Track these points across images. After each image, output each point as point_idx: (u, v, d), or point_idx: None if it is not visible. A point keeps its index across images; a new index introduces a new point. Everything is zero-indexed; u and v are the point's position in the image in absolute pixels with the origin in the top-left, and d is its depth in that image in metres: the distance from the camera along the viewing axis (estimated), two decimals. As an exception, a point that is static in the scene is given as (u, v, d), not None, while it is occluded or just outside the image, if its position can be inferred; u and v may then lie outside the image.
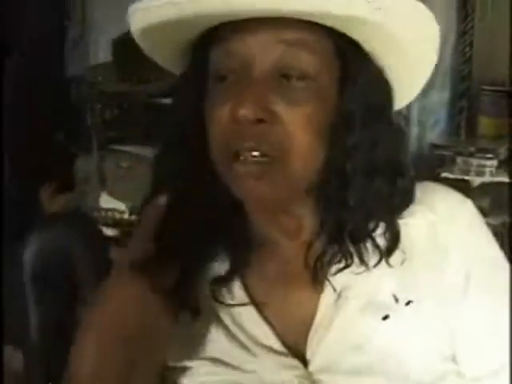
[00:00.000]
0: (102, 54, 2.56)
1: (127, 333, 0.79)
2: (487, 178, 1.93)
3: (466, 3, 2.26)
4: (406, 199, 0.87)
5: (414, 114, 2.31)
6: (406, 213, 0.87)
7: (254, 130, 0.77)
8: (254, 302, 0.88)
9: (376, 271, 0.86)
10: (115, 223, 2.20)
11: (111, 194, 2.25)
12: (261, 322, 0.87)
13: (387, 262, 0.85)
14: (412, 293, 0.86)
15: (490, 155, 1.96)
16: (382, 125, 0.83)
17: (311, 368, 0.86)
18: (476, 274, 0.88)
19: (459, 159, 1.98)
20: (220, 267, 0.88)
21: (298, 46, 0.78)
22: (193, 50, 0.85)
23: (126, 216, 2.20)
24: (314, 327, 0.86)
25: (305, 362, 0.86)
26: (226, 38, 0.79)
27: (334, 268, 0.86)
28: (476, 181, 1.92)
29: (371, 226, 0.85)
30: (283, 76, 0.78)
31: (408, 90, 0.91)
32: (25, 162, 2.42)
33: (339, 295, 0.86)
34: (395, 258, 0.86)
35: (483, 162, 1.95)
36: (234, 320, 0.88)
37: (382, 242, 0.85)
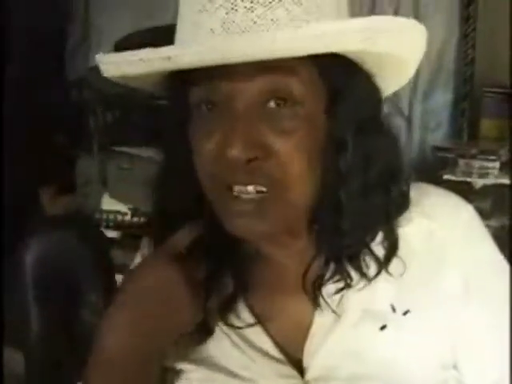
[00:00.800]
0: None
1: (157, 313, 0.81)
2: (490, 180, 1.92)
3: (469, 5, 2.26)
4: (402, 205, 0.85)
5: (417, 116, 2.31)
6: (403, 221, 0.86)
7: (247, 164, 0.75)
8: (254, 313, 0.88)
9: (374, 279, 0.85)
10: (117, 225, 2.20)
11: (113, 195, 2.25)
12: (260, 330, 0.87)
13: (387, 271, 0.84)
14: (410, 302, 0.85)
15: (492, 157, 1.96)
16: (374, 135, 0.81)
17: (308, 377, 0.85)
18: (475, 281, 0.86)
19: (461, 161, 1.97)
20: (225, 289, 0.88)
21: (281, 72, 0.75)
22: (171, 82, 0.83)
23: (127, 218, 2.20)
24: (310, 336, 0.86)
25: (301, 372, 0.86)
26: (205, 71, 0.75)
27: (333, 287, 0.85)
28: (478, 183, 1.92)
29: (369, 238, 0.84)
30: (269, 105, 0.76)
31: (396, 84, 0.88)
32: (25, 164, 2.42)
33: (336, 306, 0.86)
34: (394, 267, 0.85)
35: (485, 164, 1.95)
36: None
37: (380, 251, 0.84)
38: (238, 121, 0.75)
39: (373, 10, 2.37)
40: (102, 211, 2.24)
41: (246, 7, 0.72)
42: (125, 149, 2.23)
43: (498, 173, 1.93)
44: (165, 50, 0.73)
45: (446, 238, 0.86)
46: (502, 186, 1.91)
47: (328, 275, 0.84)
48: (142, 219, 2.10)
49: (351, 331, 0.85)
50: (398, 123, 0.87)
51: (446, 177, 1.95)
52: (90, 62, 2.72)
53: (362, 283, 0.84)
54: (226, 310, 0.88)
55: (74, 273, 1.32)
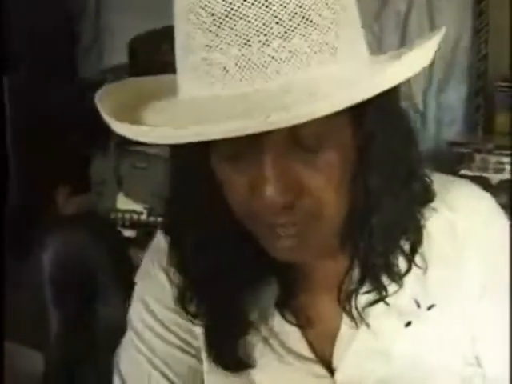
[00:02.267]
0: (116, 56, 2.56)
1: None
2: (506, 175, 1.92)
3: (481, 1, 2.25)
4: (426, 199, 0.84)
5: (431, 112, 2.31)
6: (425, 216, 0.84)
7: (284, 207, 0.72)
8: (298, 324, 0.88)
9: None
10: (132, 224, 2.20)
11: (128, 194, 2.25)
12: (297, 331, 0.87)
13: (415, 265, 0.83)
14: (434, 296, 0.85)
15: (508, 152, 1.95)
16: (400, 140, 0.78)
17: (337, 378, 0.85)
18: (493, 273, 0.86)
19: (477, 156, 1.97)
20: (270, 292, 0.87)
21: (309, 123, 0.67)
22: None
23: (143, 217, 2.21)
24: (339, 338, 0.86)
25: (331, 372, 0.86)
26: None
27: (365, 298, 0.84)
28: (495, 178, 1.91)
29: (399, 241, 0.82)
30: (298, 146, 0.71)
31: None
32: (40, 164, 2.43)
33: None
34: (417, 262, 0.84)
35: (502, 159, 1.94)
36: (266, 326, 0.88)
37: (406, 246, 0.83)
38: (269, 164, 0.70)
39: (385, 5, 2.37)
40: (117, 210, 2.24)
41: (260, 41, 0.65)
42: (139, 148, 2.24)
43: (513, 168, 1.93)
44: (194, 129, 0.64)
45: (467, 230, 0.86)
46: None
47: (363, 289, 0.83)
48: (159, 218, 2.10)
49: (377, 330, 0.85)
50: (413, 118, 0.86)
51: (461, 172, 1.94)
52: (104, 62, 2.73)
53: (394, 289, 0.83)
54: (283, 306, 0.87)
55: (92, 272, 1.33)
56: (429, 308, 0.85)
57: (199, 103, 0.68)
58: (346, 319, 0.85)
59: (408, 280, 0.84)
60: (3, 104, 2.44)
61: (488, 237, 0.87)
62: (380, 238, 0.78)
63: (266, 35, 0.65)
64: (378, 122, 0.74)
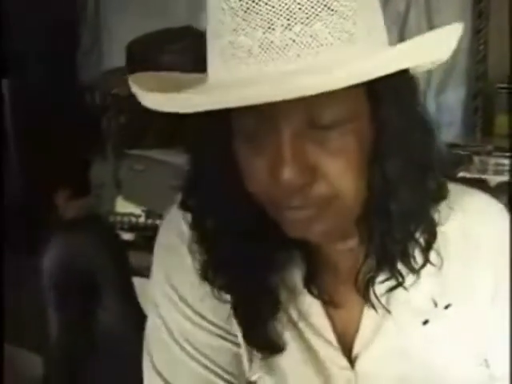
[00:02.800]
0: (116, 59, 2.57)
1: None
2: (505, 177, 1.92)
3: (480, 2, 2.25)
4: (440, 195, 0.84)
5: (430, 113, 2.30)
6: (440, 218, 0.85)
7: (300, 189, 0.74)
8: (323, 299, 0.89)
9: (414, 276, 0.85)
10: (131, 227, 2.20)
11: (126, 198, 2.25)
12: (325, 318, 0.88)
13: (429, 262, 0.84)
14: (450, 296, 0.87)
15: (507, 154, 1.95)
16: (417, 133, 0.79)
17: (358, 369, 0.87)
18: (505, 276, 0.88)
19: (476, 158, 1.96)
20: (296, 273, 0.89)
21: (325, 98, 0.69)
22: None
23: (141, 220, 2.21)
24: (361, 330, 0.88)
25: (351, 364, 0.88)
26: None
27: (384, 286, 0.85)
28: (494, 180, 1.91)
29: (415, 231, 0.83)
30: (316, 127, 0.73)
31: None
32: (40, 167, 2.43)
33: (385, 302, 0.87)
34: (433, 261, 0.85)
35: (501, 160, 1.94)
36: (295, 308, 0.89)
37: (421, 239, 0.84)
38: (286, 145, 0.72)
39: (385, 6, 2.36)
40: (116, 213, 2.24)
41: (283, 25, 0.69)
42: (138, 151, 2.24)
43: (512, 169, 1.93)
44: (219, 95, 0.70)
45: (481, 235, 0.88)
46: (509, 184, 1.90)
47: (381, 276, 0.84)
48: (157, 221, 2.10)
49: (396, 327, 0.87)
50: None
51: (460, 174, 1.94)
52: (104, 64, 2.73)
53: (412, 280, 0.85)
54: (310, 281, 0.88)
55: (91, 275, 1.33)
56: (446, 307, 0.87)
57: (226, 84, 0.72)
58: (368, 312, 0.87)
59: (425, 279, 0.85)
60: (3, 106, 2.44)
61: (500, 240, 0.89)
62: (397, 225, 0.80)
63: (288, 20, 0.69)
64: (394, 107, 0.76)
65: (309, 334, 0.89)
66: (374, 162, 0.77)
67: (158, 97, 0.73)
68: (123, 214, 2.24)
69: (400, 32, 2.35)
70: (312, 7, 0.69)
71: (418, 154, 0.79)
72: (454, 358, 0.87)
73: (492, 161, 1.94)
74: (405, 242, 0.82)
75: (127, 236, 2.15)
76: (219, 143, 0.79)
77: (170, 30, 2.33)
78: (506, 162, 1.93)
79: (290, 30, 0.69)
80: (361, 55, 0.71)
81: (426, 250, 0.84)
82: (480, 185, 1.82)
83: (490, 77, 2.27)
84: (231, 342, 0.90)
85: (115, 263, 1.36)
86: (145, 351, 0.94)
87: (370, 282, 0.85)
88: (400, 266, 0.83)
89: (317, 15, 0.69)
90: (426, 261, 0.84)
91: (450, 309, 0.87)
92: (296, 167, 0.72)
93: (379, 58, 0.71)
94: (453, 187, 0.87)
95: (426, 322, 0.86)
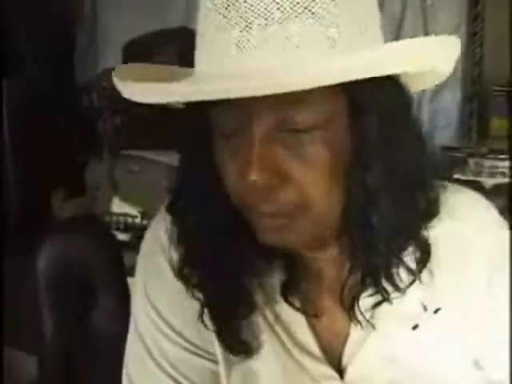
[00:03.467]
0: (112, 59, 2.56)
1: None
2: (500, 180, 1.92)
3: (476, 5, 2.25)
4: (431, 213, 0.82)
5: (425, 115, 2.31)
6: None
7: (267, 193, 0.73)
8: (304, 311, 0.87)
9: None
10: (127, 228, 2.20)
11: (122, 198, 2.25)
12: (308, 329, 0.87)
13: (419, 280, 0.83)
14: (440, 300, 0.85)
15: (502, 156, 1.95)
16: (402, 146, 0.76)
17: (346, 379, 0.86)
18: (497, 277, 0.87)
19: (471, 161, 1.97)
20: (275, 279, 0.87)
21: (300, 101, 0.70)
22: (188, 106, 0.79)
23: (137, 220, 2.21)
24: (349, 340, 0.86)
25: (340, 374, 0.86)
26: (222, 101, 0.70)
27: (369, 301, 0.84)
28: (489, 182, 1.91)
29: (400, 250, 0.81)
30: (288, 130, 0.72)
31: (424, 84, 0.85)
32: (36, 168, 2.43)
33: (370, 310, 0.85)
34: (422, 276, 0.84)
35: (496, 163, 1.94)
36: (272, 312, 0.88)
37: (412, 261, 0.82)
38: (254, 147, 0.72)
39: (381, 8, 2.36)
40: (112, 214, 2.24)
41: (259, 24, 0.69)
42: (134, 152, 2.24)
43: (508, 172, 1.93)
44: (193, 86, 0.71)
45: (471, 236, 0.87)
46: (509, 185, 1.90)
47: (365, 293, 0.83)
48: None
49: (385, 334, 0.85)
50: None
51: (455, 176, 1.94)
52: (100, 65, 2.73)
53: (397, 294, 0.83)
54: (288, 290, 0.86)
55: (86, 276, 1.33)
56: (435, 311, 0.85)
57: (203, 78, 0.74)
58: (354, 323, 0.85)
59: (414, 284, 0.83)
60: (2, 105, 2.43)
61: (490, 242, 0.88)
62: (381, 240, 0.77)
63: (266, 19, 0.69)
64: (376, 118, 0.74)
65: (288, 343, 0.87)
66: (353, 172, 0.75)
67: (135, 87, 0.73)
68: (119, 215, 2.24)
69: (396, 36, 2.35)
70: (291, 8, 0.69)
71: (403, 168, 0.76)
72: (445, 362, 0.86)
73: (487, 163, 1.95)
74: (390, 258, 0.80)
75: (123, 236, 2.15)
76: (201, 144, 0.79)
77: (166, 30, 2.33)
78: (501, 164, 1.94)
79: (266, 29, 0.69)
80: (336, 59, 0.70)
81: (418, 270, 0.82)
82: (475, 187, 1.82)
83: (485, 79, 2.27)
84: (208, 359, 0.89)
85: (111, 264, 1.36)
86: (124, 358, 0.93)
87: (356, 298, 0.83)
88: (385, 284, 0.82)
89: (295, 17, 0.69)
90: (414, 280, 0.82)
91: (440, 312, 0.85)
92: (262, 169, 0.71)
93: (353, 63, 0.69)
94: (446, 189, 0.85)
95: (415, 327, 0.85)
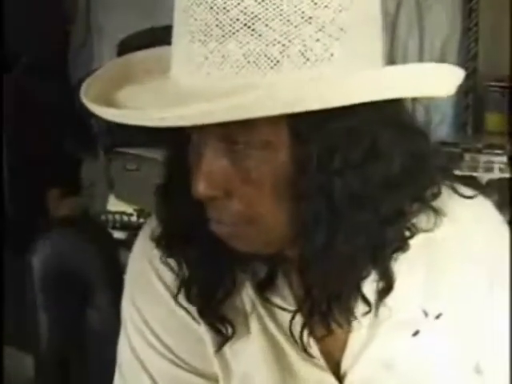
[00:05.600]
0: (106, 58, 2.56)
1: None
2: (496, 175, 1.92)
3: (471, 0, 2.26)
4: (399, 245, 0.78)
5: (420, 111, 2.31)
6: (429, 226, 0.81)
7: (215, 203, 0.73)
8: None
9: (402, 286, 0.81)
10: (123, 226, 2.20)
11: (118, 196, 2.25)
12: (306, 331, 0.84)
13: (375, 315, 0.81)
14: (441, 305, 0.84)
15: (498, 151, 1.96)
16: (361, 173, 0.71)
17: None
18: (498, 279, 0.86)
19: (467, 156, 1.97)
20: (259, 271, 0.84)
21: (240, 124, 0.67)
22: None
23: (133, 218, 2.20)
24: (348, 347, 0.84)
25: (339, 381, 0.84)
26: None
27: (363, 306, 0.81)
28: (485, 177, 1.92)
29: (358, 279, 0.78)
30: (232, 143, 0.71)
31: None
32: (31, 167, 2.43)
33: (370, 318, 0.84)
34: (420, 272, 0.83)
35: (491, 158, 1.94)
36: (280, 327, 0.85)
37: (371, 291, 0.80)
38: (202, 160, 0.72)
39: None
40: (108, 212, 2.24)
41: (200, 40, 0.67)
42: (130, 150, 2.24)
43: (504, 167, 1.93)
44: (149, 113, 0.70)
45: (472, 240, 0.85)
46: (509, 180, 1.91)
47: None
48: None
49: (386, 341, 0.84)
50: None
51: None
52: (94, 63, 2.73)
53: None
54: (264, 288, 0.83)
55: (82, 274, 1.33)
56: (437, 317, 0.84)
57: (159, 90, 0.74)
58: (355, 326, 0.83)
59: (414, 290, 0.83)
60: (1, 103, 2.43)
61: (492, 246, 0.87)
62: (327, 266, 0.74)
63: (206, 35, 0.67)
64: (316, 148, 0.70)
65: (281, 337, 0.85)
66: (293, 197, 0.72)
67: (99, 109, 0.74)
68: (115, 213, 2.24)
69: (391, 32, 2.35)
70: (230, 25, 0.66)
71: (344, 205, 0.71)
72: (445, 368, 0.84)
73: (483, 158, 1.95)
74: (342, 284, 0.77)
75: (119, 235, 2.15)
76: (180, 149, 0.78)
77: (160, 28, 2.33)
78: (497, 159, 1.94)
79: (206, 46, 0.67)
80: (283, 87, 0.66)
81: (377, 302, 0.80)
82: (471, 182, 1.83)
83: (480, 75, 2.27)
84: (196, 373, 0.87)
85: (107, 262, 1.36)
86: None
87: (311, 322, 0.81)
88: (337, 313, 0.78)
89: (233, 33, 0.66)
90: (369, 312, 0.80)
91: (441, 318, 0.84)
92: (209, 182, 0.71)
93: (279, 96, 0.65)
94: (445, 190, 0.84)
95: (416, 333, 0.83)
